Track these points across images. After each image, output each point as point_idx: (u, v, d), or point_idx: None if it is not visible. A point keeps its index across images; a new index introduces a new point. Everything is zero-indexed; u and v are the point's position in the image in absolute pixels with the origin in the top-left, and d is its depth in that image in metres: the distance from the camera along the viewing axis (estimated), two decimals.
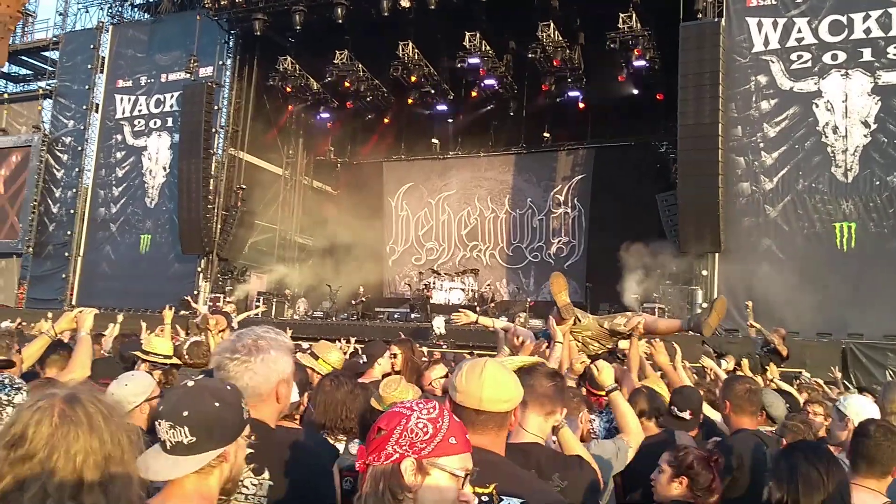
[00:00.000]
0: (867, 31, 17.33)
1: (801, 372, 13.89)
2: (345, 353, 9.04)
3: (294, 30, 23.45)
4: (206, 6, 23.74)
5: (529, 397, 2.74)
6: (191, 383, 1.96)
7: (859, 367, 15.57)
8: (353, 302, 24.05)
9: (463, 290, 23.85)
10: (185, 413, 1.83)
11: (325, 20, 22.81)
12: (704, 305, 17.83)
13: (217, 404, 1.86)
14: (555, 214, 26.34)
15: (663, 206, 20.10)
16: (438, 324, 19.93)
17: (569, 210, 26.17)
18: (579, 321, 5.92)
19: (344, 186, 29.94)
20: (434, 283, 24.06)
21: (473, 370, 2.30)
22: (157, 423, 1.88)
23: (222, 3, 23.29)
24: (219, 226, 24.80)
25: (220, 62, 25.54)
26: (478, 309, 21.72)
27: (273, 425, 2.45)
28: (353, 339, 12.57)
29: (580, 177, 26.05)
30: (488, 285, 24.98)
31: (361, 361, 6.48)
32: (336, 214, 28.59)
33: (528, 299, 23.65)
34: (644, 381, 5.15)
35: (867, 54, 17.28)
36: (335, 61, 24.30)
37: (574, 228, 25.99)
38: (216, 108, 24.91)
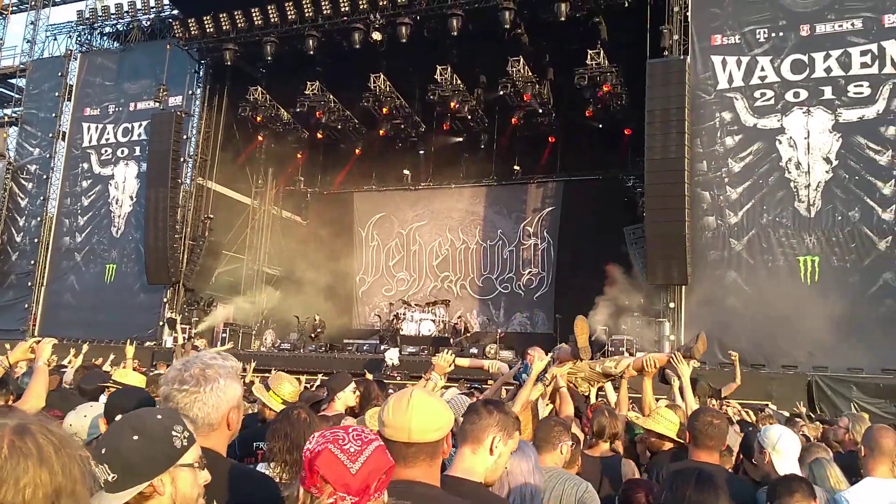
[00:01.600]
0: (828, 69, 17.78)
1: (766, 404, 14.02)
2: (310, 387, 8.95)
3: (265, 60, 23.54)
4: (177, 36, 23.75)
5: (458, 431, 2.69)
6: (118, 417, 1.94)
7: (825, 399, 15.76)
8: (312, 335, 23.82)
9: (433, 321, 23.78)
10: (104, 450, 1.80)
11: (296, 51, 22.94)
12: (672, 337, 17.98)
13: (136, 437, 1.82)
14: (524, 246, 26.47)
15: (631, 238, 20.33)
16: (392, 355, 19.98)
17: (538, 242, 26.31)
18: (576, 363, 6.24)
19: (313, 216, 29.86)
20: (404, 314, 23.98)
21: (400, 402, 2.24)
22: None
23: (193, 32, 23.31)
24: (185, 256, 24.55)
25: (190, 91, 25.48)
26: (452, 341, 21.80)
27: (224, 454, 2.40)
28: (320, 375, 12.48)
29: (549, 209, 26.25)
30: (459, 316, 24.94)
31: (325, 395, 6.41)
32: (305, 245, 28.46)
33: (499, 331, 23.67)
34: (650, 417, 5.14)
35: (828, 92, 17.70)
36: (306, 92, 24.37)
37: (543, 260, 26.11)
38: (185, 137, 24.79)
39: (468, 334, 23.30)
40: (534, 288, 25.99)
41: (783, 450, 3.97)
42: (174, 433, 1.88)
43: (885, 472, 3.96)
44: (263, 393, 5.21)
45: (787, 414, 11.26)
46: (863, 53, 17.52)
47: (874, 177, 17.14)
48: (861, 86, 17.45)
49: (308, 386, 11.33)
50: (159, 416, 1.92)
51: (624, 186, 23.05)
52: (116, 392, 4.25)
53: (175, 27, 23.73)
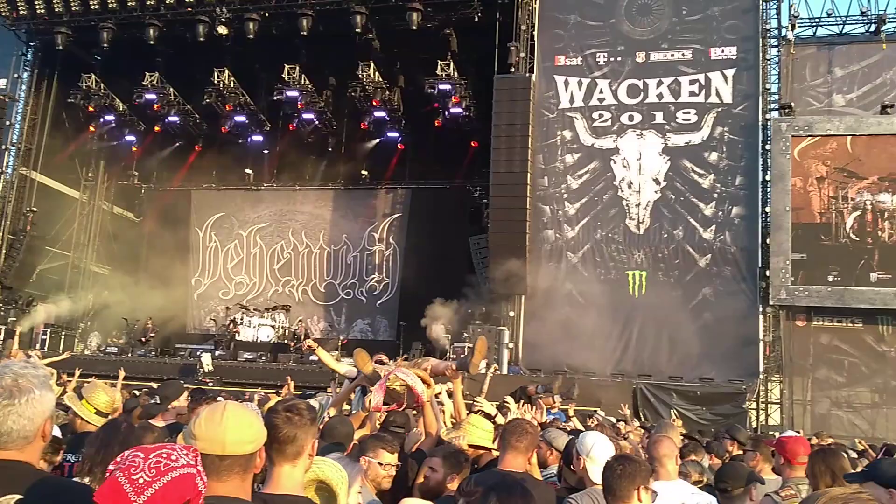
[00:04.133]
0: (660, 96, 19.01)
1: (595, 410, 14.69)
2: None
3: (101, 47, 22.31)
4: (3, 14, 22.02)
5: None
6: None
7: (648, 405, 16.75)
8: (143, 339, 22.70)
9: (273, 326, 23.26)
10: None
11: (135, 40, 21.85)
12: (511, 345, 18.53)
13: None
14: (370, 252, 26.41)
15: (475, 248, 20.82)
16: (206, 360, 19.39)
17: (384, 248, 26.33)
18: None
19: (147, 214, 28.43)
20: (242, 319, 23.28)
21: (213, 414, 2.20)
22: None
23: (21, 12, 21.74)
24: (3, 251, 22.80)
25: (16, 75, 23.71)
26: (292, 348, 21.41)
27: (37, 466, 2.28)
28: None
29: (397, 216, 26.35)
30: (299, 322, 24.50)
31: (154, 402, 6.12)
32: (137, 243, 27.12)
33: (341, 337, 23.46)
34: (460, 428, 5.11)
35: (659, 117, 18.94)
36: (144, 83, 23.26)
37: (389, 266, 26.16)
38: (8, 123, 23.08)
39: (306, 341, 22.93)
40: (377, 294, 25.98)
41: (597, 457, 4.04)
42: None
43: (668, 474, 4.27)
44: (76, 402, 4.82)
45: (613, 420, 11.84)
46: (691, 82, 18.88)
47: (697, 198, 18.50)
48: (689, 113, 18.79)
49: (136, 393, 10.79)
50: None
51: (470, 196, 23.57)
52: None
53: (1, 5, 22.00)
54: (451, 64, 21.06)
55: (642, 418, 15.65)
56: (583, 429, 8.17)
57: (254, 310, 24.34)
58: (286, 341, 22.63)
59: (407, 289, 25.04)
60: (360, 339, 24.44)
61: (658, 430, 6.12)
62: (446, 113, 21.96)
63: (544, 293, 18.95)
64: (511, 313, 19.01)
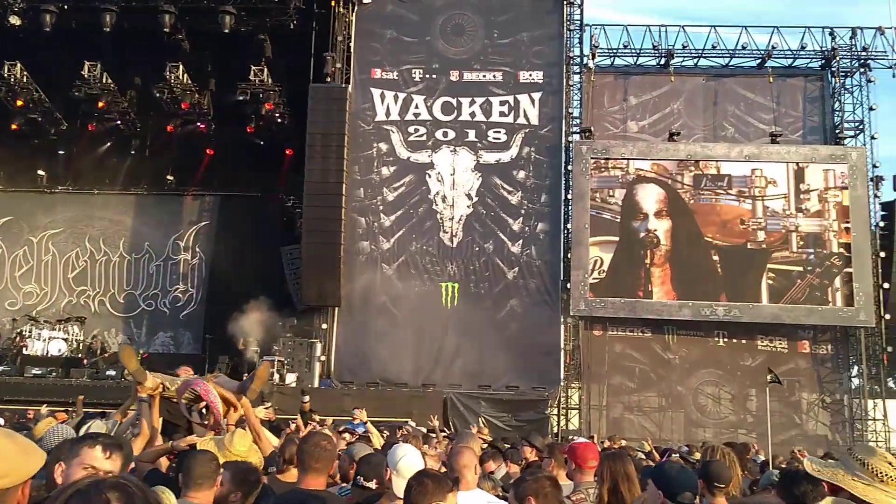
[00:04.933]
0: (472, 114, 19.69)
1: (406, 421, 14.85)
2: None
3: None
4: None
5: None
6: None
7: (457, 414, 17.21)
8: None
9: (66, 340, 21.56)
10: None
11: None
12: (322, 358, 18.39)
13: None
14: (174, 261, 25.20)
15: (287, 258, 20.46)
16: None
17: (189, 257, 25.22)
18: (168, 388, 5.81)
19: None
20: (30, 332, 21.42)
21: None
22: None
23: None
24: None
25: None
26: (86, 363, 19.95)
27: None
28: None
29: (204, 224, 25.33)
30: (94, 336, 22.87)
31: None
32: None
33: (141, 351, 22.12)
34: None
35: (472, 135, 19.61)
36: None
37: (194, 277, 25.09)
38: None
39: (105, 355, 21.52)
40: (181, 305, 24.83)
41: (403, 471, 3.93)
42: None
43: (467, 484, 4.35)
44: None
45: (424, 430, 12.02)
46: (501, 103, 19.71)
47: (506, 214, 19.32)
48: (499, 132, 19.59)
49: None
50: None
51: (283, 206, 23.11)
52: None
53: None
54: (265, 70, 20.61)
55: (452, 427, 16.01)
56: (380, 440, 8.25)
57: (44, 321, 22.46)
58: (80, 356, 21.06)
59: (214, 300, 24.07)
60: (162, 353, 23.29)
61: (459, 441, 6.19)
62: (259, 119, 21.46)
63: (358, 304, 19.01)
64: (324, 325, 18.88)
